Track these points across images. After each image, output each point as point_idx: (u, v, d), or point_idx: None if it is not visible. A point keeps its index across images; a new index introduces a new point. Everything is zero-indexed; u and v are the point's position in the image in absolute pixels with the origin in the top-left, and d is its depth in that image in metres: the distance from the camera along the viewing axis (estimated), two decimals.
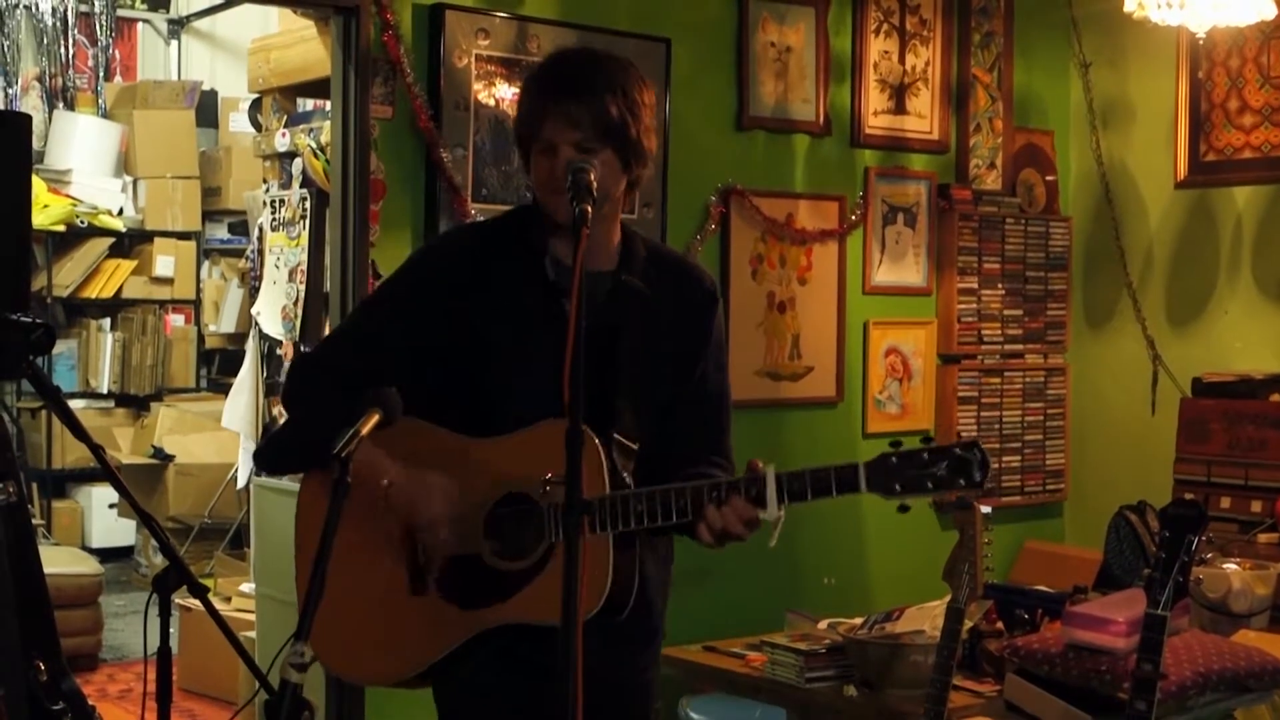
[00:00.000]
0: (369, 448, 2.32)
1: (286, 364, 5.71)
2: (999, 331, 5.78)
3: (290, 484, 5.33)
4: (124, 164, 8.92)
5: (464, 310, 2.53)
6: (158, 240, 8.90)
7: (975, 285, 5.70)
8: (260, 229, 5.96)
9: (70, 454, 8.42)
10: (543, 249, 2.56)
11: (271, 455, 2.74)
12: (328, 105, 4.87)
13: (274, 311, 5.73)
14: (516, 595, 2.46)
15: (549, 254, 2.56)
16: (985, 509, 3.07)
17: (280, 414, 5.79)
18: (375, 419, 2.27)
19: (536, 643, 2.44)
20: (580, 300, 2.15)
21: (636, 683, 2.67)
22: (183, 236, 8.98)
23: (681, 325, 2.61)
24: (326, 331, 5.10)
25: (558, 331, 2.46)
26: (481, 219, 2.81)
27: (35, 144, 8.49)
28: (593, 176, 2.35)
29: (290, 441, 2.69)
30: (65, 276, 8.65)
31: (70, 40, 9.26)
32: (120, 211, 8.79)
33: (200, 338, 9.09)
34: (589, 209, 2.29)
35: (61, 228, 8.47)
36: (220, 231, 9.20)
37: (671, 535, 2.65)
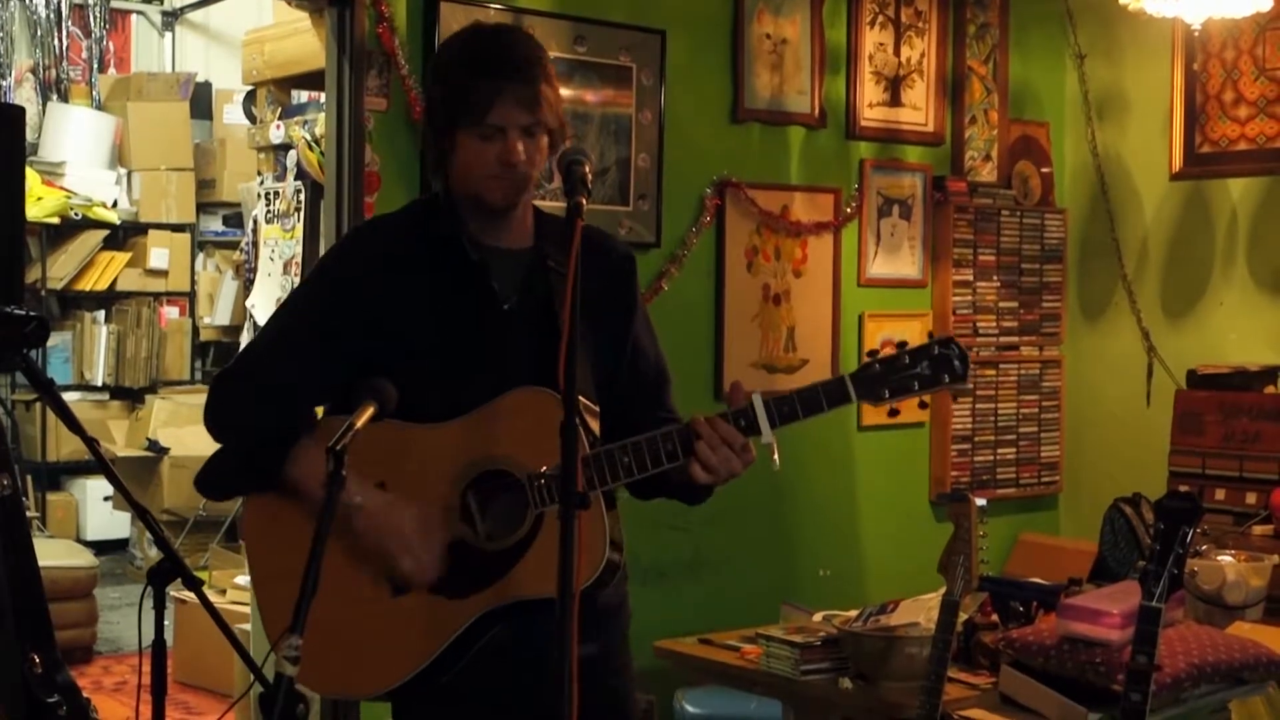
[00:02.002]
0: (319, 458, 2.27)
1: None
2: (994, 324, 5.78)
3: None
4: (118, 156, 8.91)
5: (385, 304, 2.49)
6: (152, 232, 8.90)
7: (970, 277, 5.70)
8: (255, 221, 5.95)
9: (65, 447, 8.42)
10: (456, 233, 2.52)
11: (214, 480, 2.56)
12: (322, 97, 4.86)
13: (269, 303, 5.72)
14: (510, 573, 2.41)
15: (466, 236, 2.52)
16: (980, 502, 3.07)
17: None
18: (370, 411, 2.25)
19: (527, 629, 2.41)
20: (575, 295, 2.13)
21: (615, 659, 2.61)
22: (177, 229, 8.98)
23: (606, 296, 2.57)
24: None
25: (486, 312, 2.49)
26: (383, 215, 2.77)
27: (29, 136, 8.48)
28: (587, 168, 2.33)
29: (232, 464, 2.55)
30: (59, 269, 8.64)
31: (64, 32, 9.25)
32: (114, 204, 8.78)
33: (195, 330, 9.08)
34: (584, 201, 2.27)
35: (56, 220, 8.46)
36: (215, 224, 9.20)
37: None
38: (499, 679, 2.47)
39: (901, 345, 2.39)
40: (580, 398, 2.40)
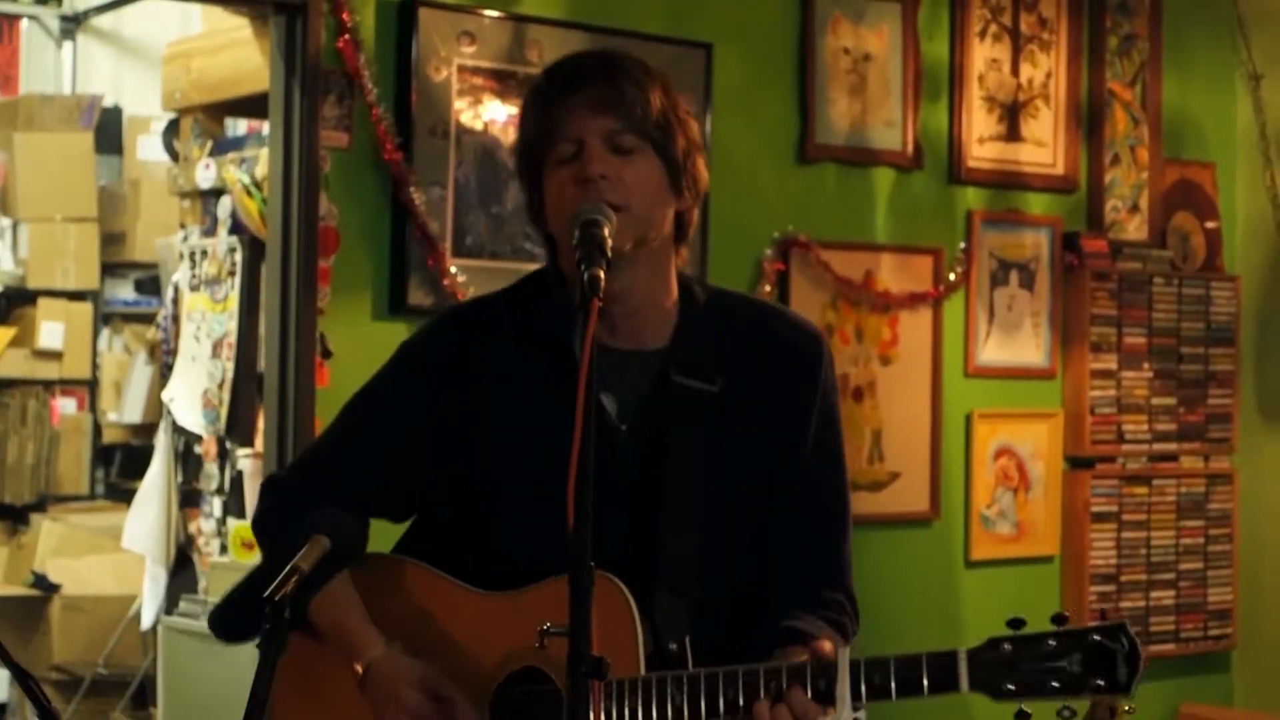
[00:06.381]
0: (355, 609, 2.44)
1: (208, 465, 5.72)
2: (1146, 427, 5.77)
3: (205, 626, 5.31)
4: (1, 202, 8.98)
5: (467, 416, 2.47)
6: (42, 302, 8.93)
7: (1114, 365, 5.69)
8: (176, 288, 5.98)
9: None
10: (568, 324, 2.42)
11: (235, 614, 2.58)
12: (265, 129, 4.90)
13: (192, 397, 5.74)
14: None
15: (578, 331, 2.38)
16: None
17: (198, 530, 5.80)
18: (321, 549, 2.23)
19: None
20: (589, 405, 2.04)
21: None
22: (75, 297, 9.01)
23: (772, 411, 2.50)
24: (260, 424, 5.11)
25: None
26: (485, 293, 2.73)
27: None
28: (607, 231, 2.24)
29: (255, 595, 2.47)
30: None
31: None
32: None
33: (97, 429, 9.10)
34: (601, 274, 2.16)
35: None
36: (124, 291, 9.24)
37: None
38: None
39: (1060, 619, 2.32)
40: (669, 590, 2.38)
